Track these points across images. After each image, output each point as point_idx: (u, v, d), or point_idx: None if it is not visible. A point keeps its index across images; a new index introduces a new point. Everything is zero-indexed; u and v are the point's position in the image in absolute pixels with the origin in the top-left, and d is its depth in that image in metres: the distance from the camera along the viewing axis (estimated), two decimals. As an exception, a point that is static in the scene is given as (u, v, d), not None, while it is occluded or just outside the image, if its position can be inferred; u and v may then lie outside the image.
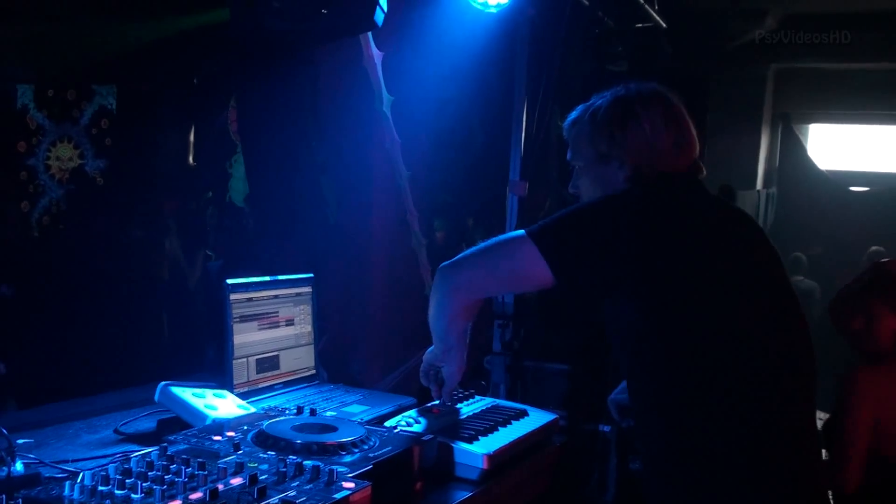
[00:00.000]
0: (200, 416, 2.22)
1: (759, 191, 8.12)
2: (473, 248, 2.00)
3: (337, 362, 3.55)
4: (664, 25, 5.66)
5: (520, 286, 2.00)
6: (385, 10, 2.54)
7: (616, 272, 1.83)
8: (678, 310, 1.80)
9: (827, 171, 8.88)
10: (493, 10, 3.49)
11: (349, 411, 2.47)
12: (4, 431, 1.85)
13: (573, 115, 2.08)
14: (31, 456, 1.96)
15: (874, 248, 7.35)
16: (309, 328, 2.82)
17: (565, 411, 2.94)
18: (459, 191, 5.85)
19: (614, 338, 1.97)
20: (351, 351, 3.77)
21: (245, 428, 2.01)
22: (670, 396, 1.83)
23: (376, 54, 3.36)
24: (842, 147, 9.27)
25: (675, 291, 1.80)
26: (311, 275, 2.84)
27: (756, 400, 1.80)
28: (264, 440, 1.91)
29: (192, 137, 8.68)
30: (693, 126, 2.02)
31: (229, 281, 2.53)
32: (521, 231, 1.89)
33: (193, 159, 8.73)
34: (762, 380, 1.81)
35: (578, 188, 2.10)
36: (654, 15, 5.50)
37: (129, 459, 1.73)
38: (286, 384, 2.69)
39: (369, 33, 3.23)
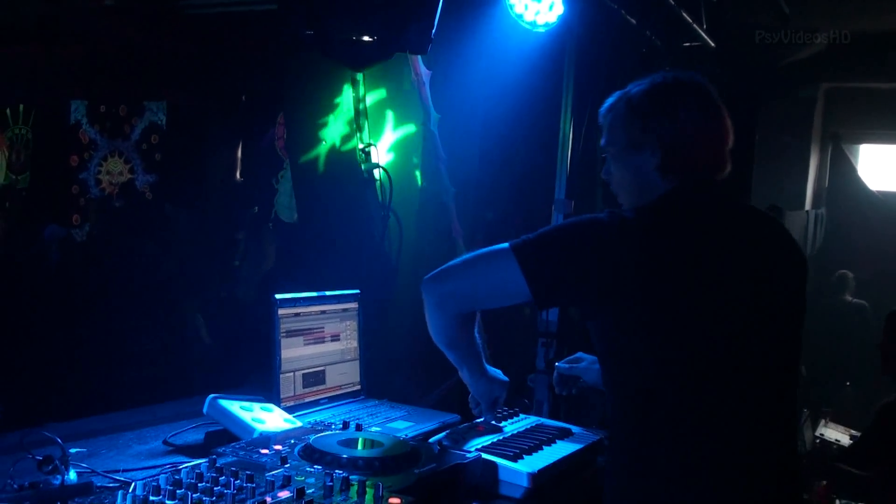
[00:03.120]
0: (248, 428, 2.25)
1: (807, 211, 8.01)
2: (457, 260, 1.99)
3: (382, 378, 3.57)
4: (712, 45, 5.64)
5: (501, 300, 1.99)
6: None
7: (590, 294, 1.82)
8: (649, 334, 1.78)
9: (878, 191, 8.74)
10: (542, 30, 3.50)
11: (394, 427, 2.49)
12: (59, 440, 1.89)
13: (609, 100, 2.04)
14: (84, 465, 2.00)
15: None
16: (355, 344, 2.84)
17: (608, 431, 2.92)
18: (504, 208, 5.86)
19: (596, 350, 1.97)
20: (395, 366, 3.78)
21: (292, 442, 2.04)
22: (636, 414, 1.83)
23: (424, 73, 3.39)
24: (894, 168, 9.11)
25: (647, 316, 1.78)
26: (358, 291, 2.86)
27: (727, 418, 1.78)
28: (311, 454, 1.93)
29: (239, 153, 8.82)
30: (729, 118, 1.97)
31: (278, 296, 2.56)
32: (506, 244, 1.88)
33: (241, 175, 8.86)
34: (733, 402, 1.79)
35: (610, 174, 2.06)
36: (703, 34, 5.47)
37: (179, 471, 1.76)
38: (331, 399, 2.71)
39: (418, 52, 3.26)
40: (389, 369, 3.80)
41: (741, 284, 1.83)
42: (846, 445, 4.55)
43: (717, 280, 1.81)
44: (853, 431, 4.74)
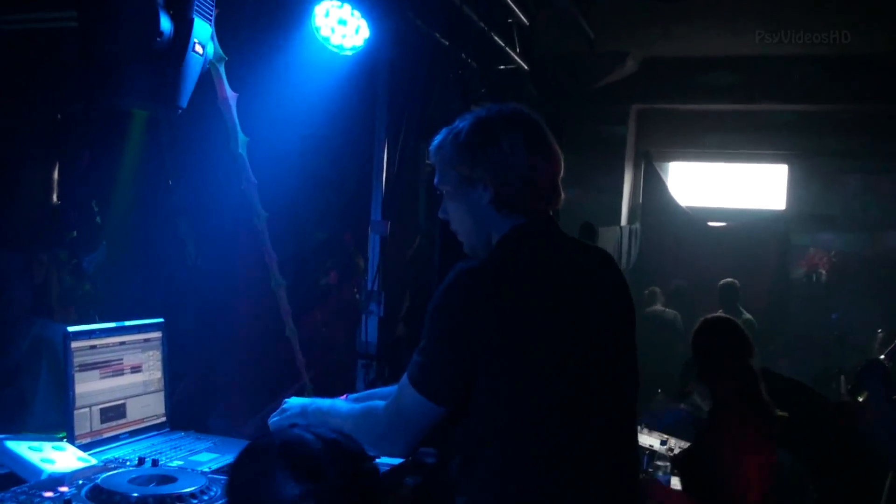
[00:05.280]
0: (35, 470, 2.13)
1: (622, 227, 8.39)
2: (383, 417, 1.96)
3: (195, 408, 3.47)
4: (526, 68, 5.84)
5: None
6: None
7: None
8: (511, 378, 1.83)
9: (687, 207, 9.26)
10: (349, 53, 3.52)
11: (197, 460, 2.41)
12: None
13: (437, 139, 2.05)
14: None
15: (725, 280, 7.69)
16: (159, 374, 2.74)
17: (435, 449, 2.93)
18: (335, 228, 5.82)
19: None
20: (210, 396, 3.69)
21: (80, 482, 1.95)
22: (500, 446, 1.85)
23: (230, 95, 3.32)
24: (700, 184, 9.72)
25: (508, 362, 1.82)
26: (161, 319, 2.77)
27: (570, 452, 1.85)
28: (98, 495, 1.86)
29: (55, 175, 8.34)
30: (557, 147, 2.01)
31: (70, 329, 2.44)
32: (405, 381, 1.88)
33: (57, 198, 8.37)
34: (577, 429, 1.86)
35: (447, 213, 2.07)
36: (516, 57, 5.66)
37: (-54, 521, 1.66)
38: (133, 433, 2.60)
39: (223, 73, 3.19)
40: (205, 398, 3.71)
41: (591, 322, 1.91)
42: (660, 451, 4.74)
43: (570, 322, 1.87)
44: (663, 436, 4.96)
